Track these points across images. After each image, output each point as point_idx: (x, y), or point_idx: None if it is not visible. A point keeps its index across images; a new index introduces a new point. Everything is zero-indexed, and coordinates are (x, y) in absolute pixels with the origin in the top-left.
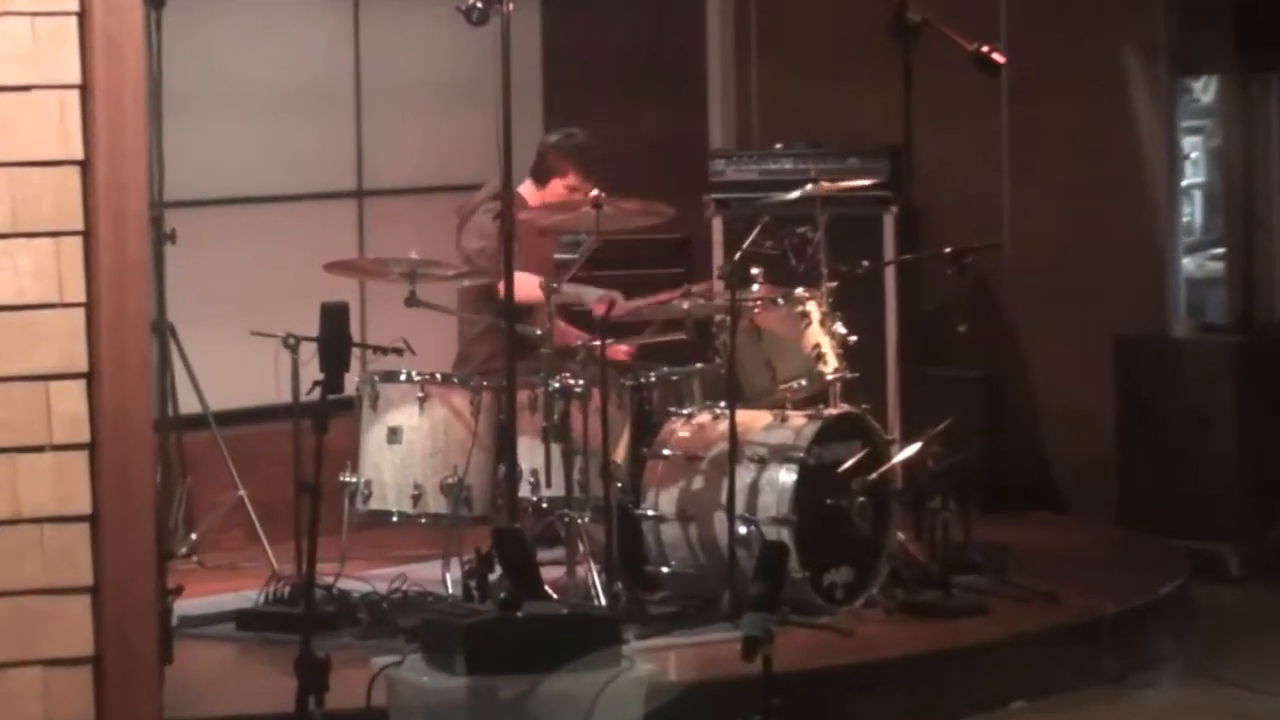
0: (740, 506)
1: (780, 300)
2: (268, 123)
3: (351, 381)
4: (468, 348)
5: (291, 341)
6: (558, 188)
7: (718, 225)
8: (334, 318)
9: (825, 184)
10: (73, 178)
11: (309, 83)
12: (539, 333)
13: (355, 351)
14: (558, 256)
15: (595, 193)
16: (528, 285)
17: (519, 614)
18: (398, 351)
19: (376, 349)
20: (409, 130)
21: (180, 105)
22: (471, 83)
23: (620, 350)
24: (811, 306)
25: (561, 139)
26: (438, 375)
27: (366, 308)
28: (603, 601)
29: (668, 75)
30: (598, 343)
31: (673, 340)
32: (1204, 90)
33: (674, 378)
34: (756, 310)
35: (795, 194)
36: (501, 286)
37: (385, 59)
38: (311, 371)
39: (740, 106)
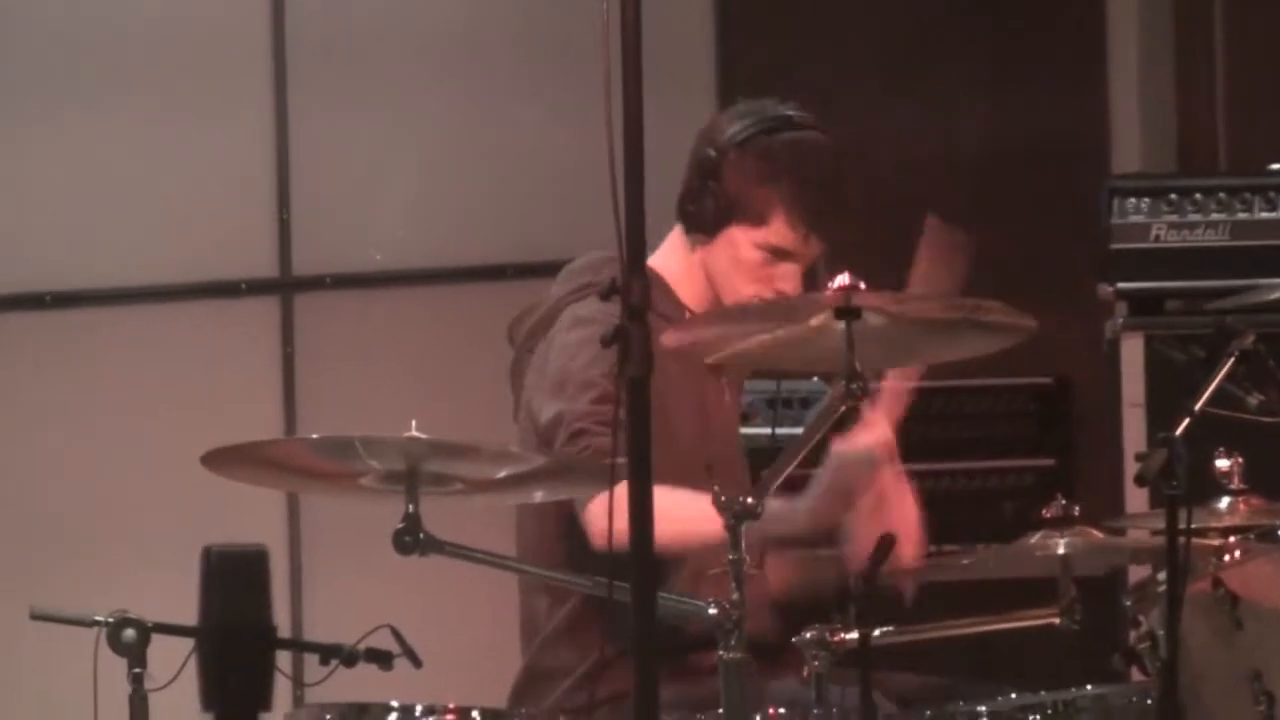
0: None
1: None
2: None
3: None
4: (544, 652)
5: (130, 636)
6: (745, 248)
7: (1133, 353)
8: (234, 581)
9: None
10: None
11: (164, 45)
12: (711, 611)
13: (283, 659)
14: (749, 431)
15: (841, 279)
16: (686, 508)
17: None
18: (379, 660)
19: (328, 654)
20: (386, 147)
21: None
22: (526, 46)
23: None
24: None
25: (759, 128)
26: (474, 715)
27: (303, 553)
28: None
29: (1004, 8)
30: (848, 634)
31: (1029, 626)
32: None
33: (1031, 716)
34: (1229, 560)
35: None
36: (609, 508)
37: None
38: (181, 707)
39: (1181, 75)
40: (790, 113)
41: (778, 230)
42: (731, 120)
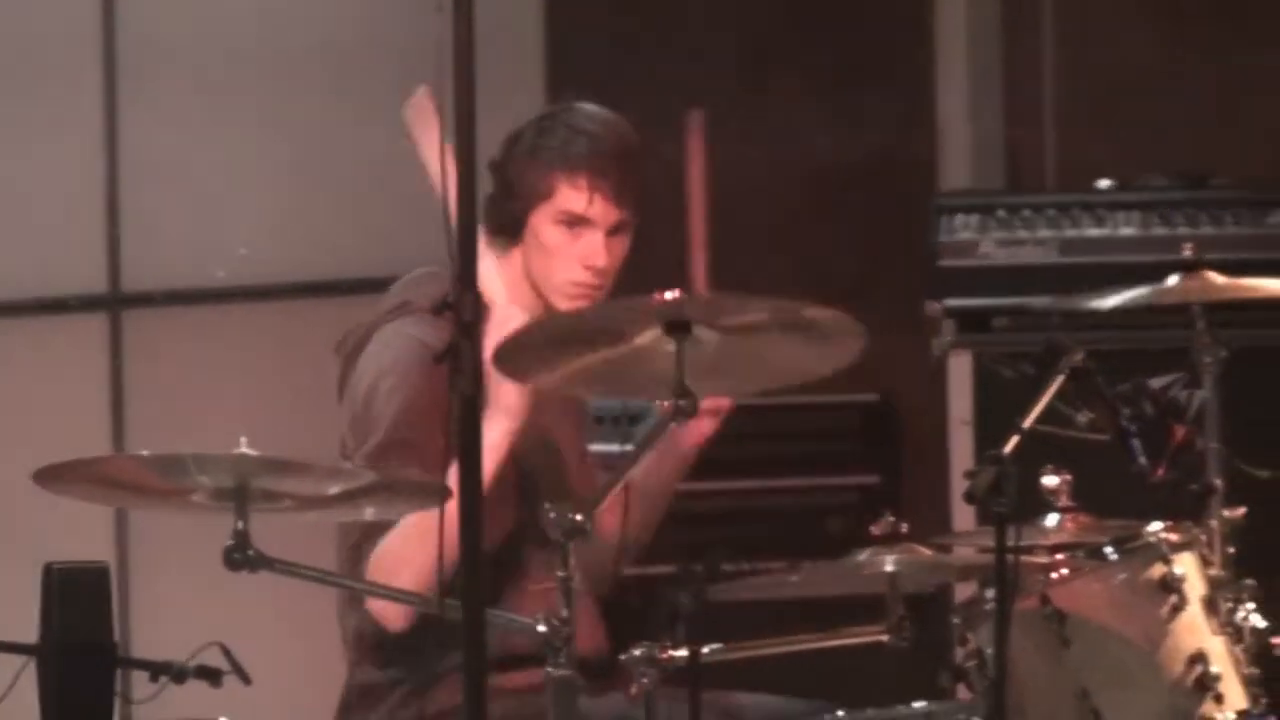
0: None
1: (1111, 553)
2: None
3: None
4: (364, 668)
5: None
6: (545, 230)
7: (960, 370)
8: (75, 599)
9: (1217, 275)
10: None
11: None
12: (540, 628)
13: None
14: (596, 448)
15: (671, 293)
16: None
17: None
18: (209, 677)
19: (159, 671)
20: (219, 158)
21: None
22: (366, 57)
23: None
24: (1186, 565)
25: (541, 117)
26: None
27: (131, 571)
28: None
29: (834, 26)
30: (677, 651)
31: (856, 643)
32: None
33: None
34: (1056, 577)
35: (1148, 297)
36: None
37: (169, 9)
38: None
39: (1008, 92)
40: (567, 105)
41: (564, 195)
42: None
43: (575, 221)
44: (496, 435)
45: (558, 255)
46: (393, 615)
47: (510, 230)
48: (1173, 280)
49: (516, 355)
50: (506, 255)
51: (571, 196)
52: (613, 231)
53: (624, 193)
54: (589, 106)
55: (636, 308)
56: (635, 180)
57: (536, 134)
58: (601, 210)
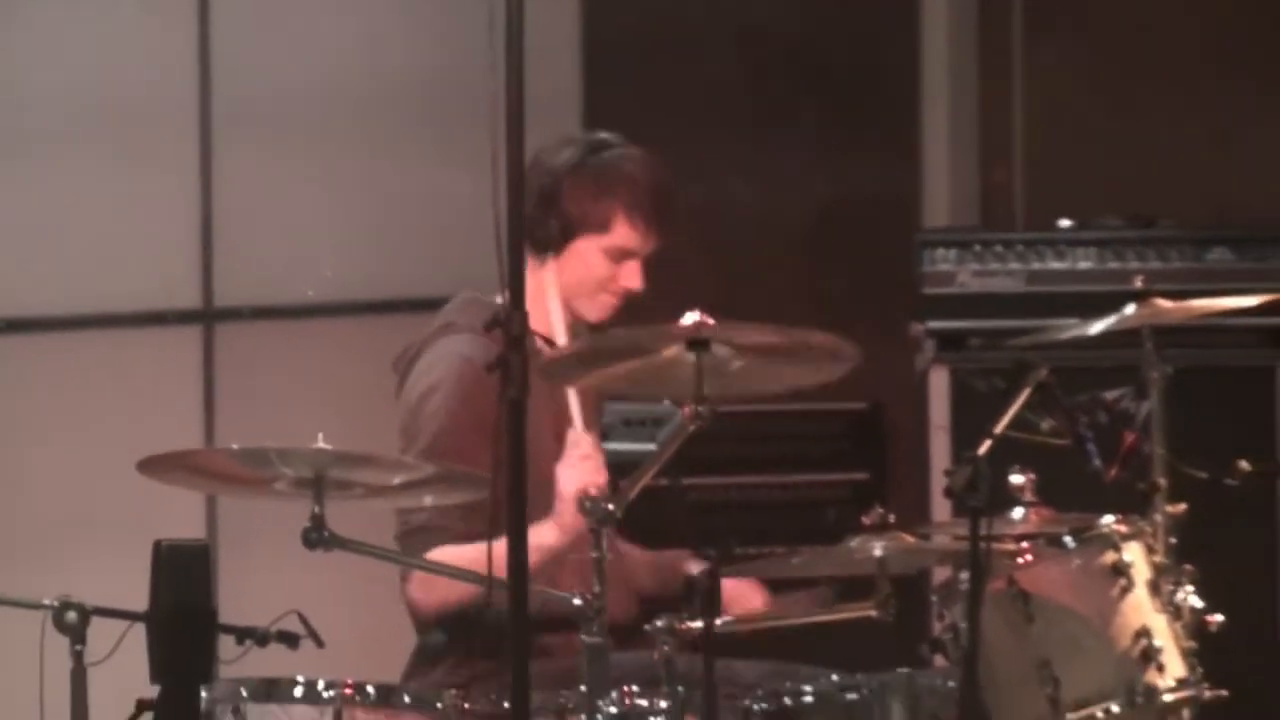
0: None
1: (1069, 541)
2: (26, 186)
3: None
4: (428, 635)
5: (72, 618)
6: (593, 256)
7: (939, 383)
8: (180, 572)
9: (1163, 302)
10: None
11: (103, 105)
12: (575, 601)
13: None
14: (616, 447)
15: (693, 315)
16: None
17: None
18: (288, 641)
19: (244, 636)
20: (300, 194)
21: None
22: (436, 101)
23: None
24: (1134, 553)
25: (587, 151)
26: (369, 689)
27: (220, 548)
28: None
29: (833, 85)
30: (694, 623)
31: (847, 618)
32: None
33: (849, 695)
34: (1022, 562)
35: (1103, 322)
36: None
37: (260, 65)
38: (124, 682)
39: (984, 143)
40: (606, 136)
41: (620, 233)
42: (559, 150)
43: (624, 255)
44: (550, 539)
45: (600, 278)
46: (426, 610)
47: (549, 246)
48: (1129, 310)
49: (558, 368)
50: (541, 267)
51: (629, 235)
52: (648, 258)
53: (666, 228)
54: (633, 148)
55: (665, 332)
56: (676, 216)
57: (594, 169)
58: (649, 245)
